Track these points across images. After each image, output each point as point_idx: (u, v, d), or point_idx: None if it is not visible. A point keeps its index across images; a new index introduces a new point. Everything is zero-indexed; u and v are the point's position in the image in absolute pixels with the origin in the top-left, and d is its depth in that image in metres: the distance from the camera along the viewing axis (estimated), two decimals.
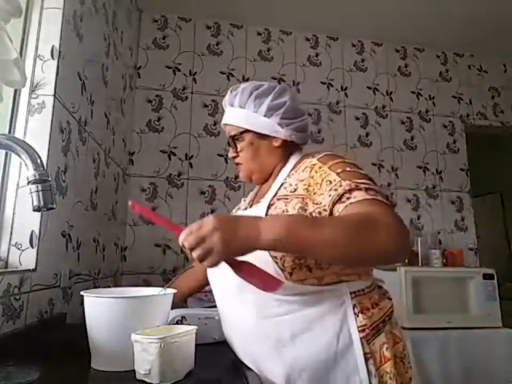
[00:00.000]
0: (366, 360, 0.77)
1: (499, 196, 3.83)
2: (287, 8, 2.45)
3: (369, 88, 2.73)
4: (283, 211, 0.84)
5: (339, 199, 0.78)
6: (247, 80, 2.54)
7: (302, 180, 0.87)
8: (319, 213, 0.81)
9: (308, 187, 0.84)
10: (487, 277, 2.02)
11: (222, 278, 0.90)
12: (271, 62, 2.61)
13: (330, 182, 0.81)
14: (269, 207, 0.88)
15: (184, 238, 0.67)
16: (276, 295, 0.79)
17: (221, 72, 2.53)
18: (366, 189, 0.78)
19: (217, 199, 2.34)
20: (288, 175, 0.93)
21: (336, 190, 0.79)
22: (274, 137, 0.97)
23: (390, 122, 2.70)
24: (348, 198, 0.77)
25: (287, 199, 0.87)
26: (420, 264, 2.17)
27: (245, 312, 0.85)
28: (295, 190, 0.87)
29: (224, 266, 0.68)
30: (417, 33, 2.68)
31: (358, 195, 0.77)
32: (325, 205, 0.80)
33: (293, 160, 0.97)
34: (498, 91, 2.93)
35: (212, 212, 2.32)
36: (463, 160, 2.74)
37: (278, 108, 0.95)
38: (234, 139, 1.00)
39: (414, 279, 1.93)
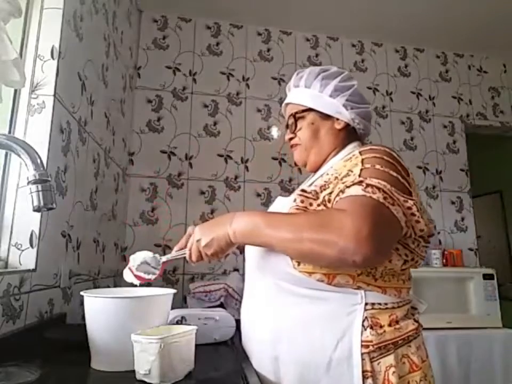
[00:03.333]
0: (365, 378, 0.71)
1: (499, 196, 3.83)
2: (287, 8, 2.45)
3: (369, 88, 2.72)
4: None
5: (339, 192, 0.76)
6: (247, 80, 2.54)
7: (337, 169, 0.84)
8: (324, 202, 0.79)
9: (338, 175, 0.81)
10: (487, 277, 2.02)
11: (248, 260, 0.92)
12: (271, 62, 2.61)
13: (348, 175, 0.78)
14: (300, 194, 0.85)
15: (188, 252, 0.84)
16: (284, 283, 0.78)
17: (221, 72, 2.53)
18: (367, 185, 0.72)
19: (217, 199, 2.34)
20: (332, 166, 0.89)
21: (345, 183, 0.76)
22: (337, 119, 0.94)
23: (390, 122, 2.70)
24: (343, 192, 0.75)
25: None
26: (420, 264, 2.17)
27: (253, 296, 0.88)
28: (329, 179, 0.84)
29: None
30: (417, 33, 2.68)
31: (353, 190, 0.73)
32: (331, 195, 0.78)
33: (347, 150, 0.93)
34: (498, 91, 2.92)
35: (212, 212, 2.31)
36: (463, 160, 2.74)
37: (344, 90, 0.93)
38: (295, 117, 0.97)
39: (414, 279, 1.92)
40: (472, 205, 2.68)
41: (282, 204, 0.89)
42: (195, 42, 2.53)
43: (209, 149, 2.40)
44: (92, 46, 1.55)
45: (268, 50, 2.63)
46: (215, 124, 2.44)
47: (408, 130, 2.71)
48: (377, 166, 0.77)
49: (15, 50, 0.93)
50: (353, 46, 2.77)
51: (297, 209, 0.79)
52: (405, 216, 0.73)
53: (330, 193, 0.79)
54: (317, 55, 2.69)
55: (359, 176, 0.75)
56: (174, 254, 0.88)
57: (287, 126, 1.01)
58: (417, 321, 0.81)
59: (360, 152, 0.82)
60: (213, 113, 2.45)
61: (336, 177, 0.81)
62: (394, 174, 0.77)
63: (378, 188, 0.72)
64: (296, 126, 0.97)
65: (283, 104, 1.05)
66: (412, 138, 2.70)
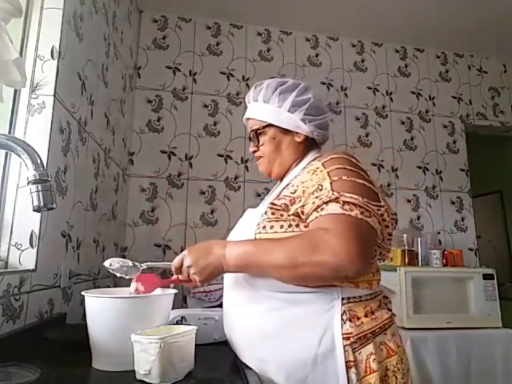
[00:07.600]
0: (349, 368, 0.76)
1: (499, 196, 3.83)
2: (287, 8, 2.45)
3: (369, 88, 2.73)
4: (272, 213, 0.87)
5: (317, 207, 0.80)
6: (247, 80, 2.54)
7: (303, 182, 0.88)
8: (297, 213, 0.83)
9: (306, 189, 0.85)
10: (487, 277, 2.02)
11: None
12: (271, 62, 2.61)
13: (321, 189, 0.82)
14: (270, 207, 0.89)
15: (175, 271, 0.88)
16: (263, 290, 0.83)
17: (221, 72, 2.53)
18: (344, 203, 0.77)
19: (217, 199, 2.34)
20: (296, 176, 0.94)
21: (321, 199, 0.80)
22: (296, 132, 0.99)
23: (390, 122, 2.70)
24: (322, 209, 0.79)
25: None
26: (420, 264, 2.17)
27: (235, 304, 0.91)
28: (295, 191, 0.87)
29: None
30: (417, 33, 2.68)
31: (331, 208, 0.77)
32: (304, 208, 0.83)
33: (307, 159, 0.98)
34: (498, 91, 2.92)
35: (212, 212, 2.32)
36: (463, 160, 2.74)
37: (302, 104, 0.97)
38: (257, 133, 1.01)
39: (414, 279, 1.93)
40: (472, 205, 2.68)
41: (251, 216, 0.94)
42: (195, 42, 2.53)
43: (209, 149, 2.40)
44: (92, 46, 1.55)
45: (268, 50, 2.63)
46: (215, 123, 2.44)
47: (408, 130, 2.71)
48: (344, 177, 0.82)
49: (16, 50, 0.93)
50: (353, 46, 2.77)
51: (269, 221, 0.85)
52: (379, 224, 0.80)
53: (303, 205, 0.83)
54: (317, 55, 2.69)
55: (332, 190, 0.79)
56: (159, 264, 0.93)
57: (250, 139, 1.05)
58: (390, 310, 0.88)
59: (323, 164, 0.87)
60: (213, 113, 2.46)
61: (304, 191, 0.85)
62: (360, 181, 0.82)
63: (355, 204, 0.77)
64: (258, 141, 1.02)
65: (244, 117, 1.07)
66: (412, 138, 2.70)
